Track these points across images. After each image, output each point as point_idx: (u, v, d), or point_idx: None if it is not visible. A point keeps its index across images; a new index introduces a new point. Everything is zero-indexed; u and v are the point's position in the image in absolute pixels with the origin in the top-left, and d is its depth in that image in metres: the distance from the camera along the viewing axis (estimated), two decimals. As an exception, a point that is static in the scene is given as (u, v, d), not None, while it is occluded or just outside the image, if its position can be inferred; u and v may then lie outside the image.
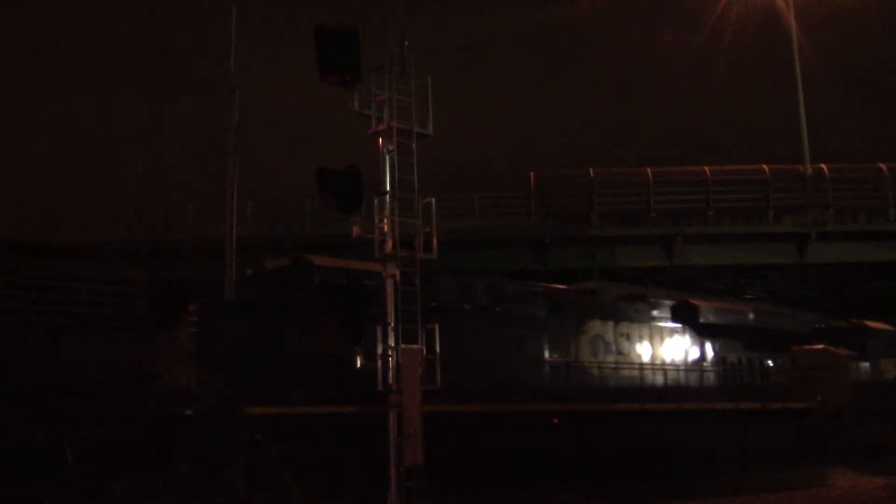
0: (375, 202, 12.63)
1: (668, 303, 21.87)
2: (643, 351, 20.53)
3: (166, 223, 32.95)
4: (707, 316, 21.86)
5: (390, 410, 12.10)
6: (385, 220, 12.55)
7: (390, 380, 12.22)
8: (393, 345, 12.29)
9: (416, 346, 12.52)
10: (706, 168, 33.07)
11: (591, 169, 32.95)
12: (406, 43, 12.97)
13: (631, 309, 20.77)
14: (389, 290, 12.44)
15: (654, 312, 21.28)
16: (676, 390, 20.63)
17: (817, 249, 32.79)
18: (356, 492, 13.62)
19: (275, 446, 13.11)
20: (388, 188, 12.64)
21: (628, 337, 20.41)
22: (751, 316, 23.32)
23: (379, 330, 12.34)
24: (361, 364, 12.47)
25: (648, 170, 32.85)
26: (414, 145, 12.92)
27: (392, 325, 12.32)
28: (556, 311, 18.81)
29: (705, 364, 21.88)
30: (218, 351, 13.15)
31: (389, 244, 12.50)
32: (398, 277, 12.44)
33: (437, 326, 12.82)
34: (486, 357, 16.62)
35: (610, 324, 20.03)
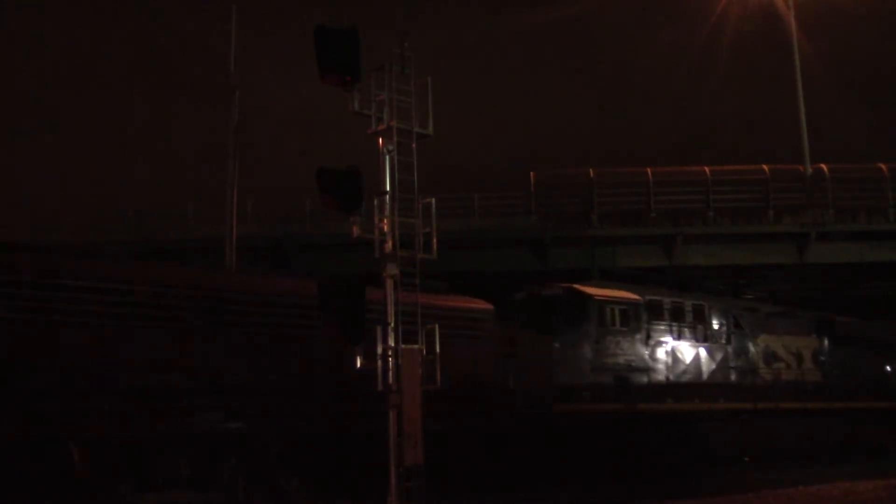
0: (375, 202, 12.64)
1: (813, 317, 26.21)
2: (798, 358, 24.86)
3: (166, 223, 32.93)
4: (842, 329, 26.39)
5: (390, 410, 12.10)
6: (385, 221, 12.56)
7: (390, 380, 12.22)
8: (393, 345, 12.30)
9: (416, 346, 12.54)
10: (706, 168, 33.05)
11: (591, 169, 32.93)
12: (406, 43, 12.97)
13: (789, 323, 25.23)
14: (389, 290, 12.45)
15: (803, 326, 25.65)
16: (826, 391, 24.94)
17: (817, 249, 32.77)
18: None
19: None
20: (388, 188, 12.64)
21: (786, 346, 24.76)
22: (872, 327, 28.35)
23: (379, 330, 12.36)
24: (361, 364, 12.49)
25: (648, 170, 32.83)
26: (414, 145, 12.92)
27: (392, 325, 12.33)
28: (738, 327, 23.27)
29: (843, 369, 25.95)
30: (530, 360, 17.23)
31: (389, 244, 12.52)
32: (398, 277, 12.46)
33: (436, 326, 12.84)
34: (698, 366, 21.77)
35: (773, 336, 24.38)
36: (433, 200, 12.92)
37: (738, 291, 37.79)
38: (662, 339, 21.11)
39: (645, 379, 20.36)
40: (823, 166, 33.47)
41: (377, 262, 12.70)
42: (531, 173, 33.16)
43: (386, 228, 12.52)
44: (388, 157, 12.74)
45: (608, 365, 19.42)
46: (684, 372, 21.35)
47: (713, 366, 22.14)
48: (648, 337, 20.55)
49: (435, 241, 12.83)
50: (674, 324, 21.25)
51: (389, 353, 12.28)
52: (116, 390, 11.91)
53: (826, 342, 26.13)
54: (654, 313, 20.87)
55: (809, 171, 33.65)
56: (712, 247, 32.84)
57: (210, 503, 12.48)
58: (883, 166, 33.17)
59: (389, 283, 12.47)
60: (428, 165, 13.37)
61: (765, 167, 33.22)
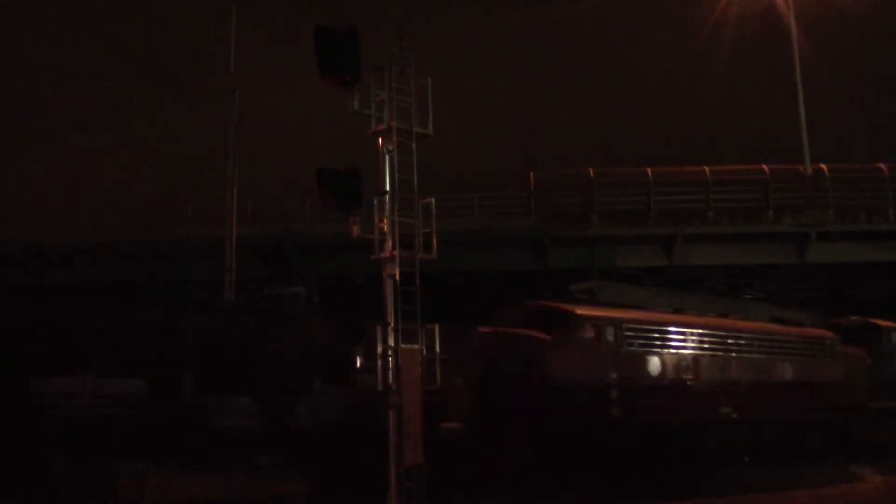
0: (375, 202, 12.64)
1: None
2: None
3: (166, 223, 32.92)
4: None
5: (390, 410, 12.10)
6: (385, 220, 12.57)
7: (390, 380, 12.23)
8: (393, 345, 12.30)
9: (416, 346, 12.53)
10: (706, 168, 33.01)
11: (591, 169, 32.92)
12: (405, 43, 12.98)
13: None
14: (389, 290, 12.45)
15: None
16: None
17: (817, 249, 32.77)
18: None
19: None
20: (387, 188, 12.65)
21: None
22: None
23: (379, 330, 12.36)
24: (361, 364, 12.50)
25: (648, 170, 32.79)
26: (414, 145, 12.93)
27: (392, 325, 12.33)
28: None
29: None
30: (853, 370, 24.05)
31: (389, 244, 12.52)
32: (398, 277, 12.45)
33: (436, 326, 12.84)
34: None
35: None
36: (433, 200, 12.93)
37: (738, 291, 37.90)
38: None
39: None
40: (823, 166, 33.45)
41: (378, 262, 12.71)
42: (531, 173, 33.16)
43: (386, 228, 12.53)
44: (388, 157, 12.75)
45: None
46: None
47: None
48: None
49: (435, 241, 12.84)
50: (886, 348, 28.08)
51: (389, 353, 12.29)
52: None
53: None
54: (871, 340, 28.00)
55: (809, 171, 33.64)
56: (712, 247, 32.81)
57: None
58: (883, 166, 33.16)
59: (389, 283, 12.47)
60: (427, 165, 13.37)
61: (765, 167, 33.20)
